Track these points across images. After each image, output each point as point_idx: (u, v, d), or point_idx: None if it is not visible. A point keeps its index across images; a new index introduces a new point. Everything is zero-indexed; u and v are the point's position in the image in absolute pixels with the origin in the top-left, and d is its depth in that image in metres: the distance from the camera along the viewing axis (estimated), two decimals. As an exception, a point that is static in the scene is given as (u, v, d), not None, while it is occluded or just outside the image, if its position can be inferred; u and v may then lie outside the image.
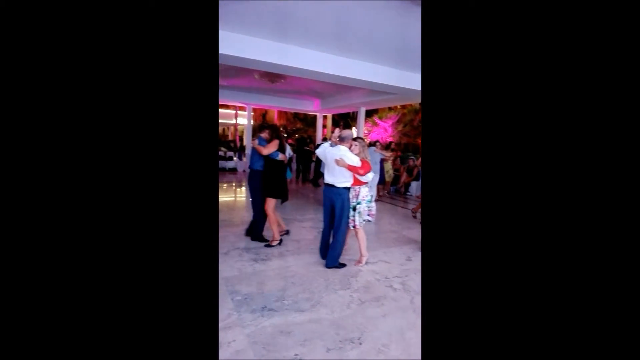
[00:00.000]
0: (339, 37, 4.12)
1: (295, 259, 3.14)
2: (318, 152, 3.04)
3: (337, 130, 3.01)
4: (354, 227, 2.92)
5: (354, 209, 2.91)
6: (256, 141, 3.33)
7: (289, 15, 3.53)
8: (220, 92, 8.98)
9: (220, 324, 1.96)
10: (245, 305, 2.20)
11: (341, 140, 2.89)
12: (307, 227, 4.33)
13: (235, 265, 2.91)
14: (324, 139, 5.71)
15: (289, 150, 3.48)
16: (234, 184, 8.15)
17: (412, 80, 5.68)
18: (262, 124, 3.54)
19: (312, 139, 11.34)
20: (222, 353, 1.69)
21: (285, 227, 3.79)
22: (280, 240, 3.46)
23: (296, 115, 15.01)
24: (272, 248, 3.36)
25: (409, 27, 3.54)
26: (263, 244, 3.44)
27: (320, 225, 4.41)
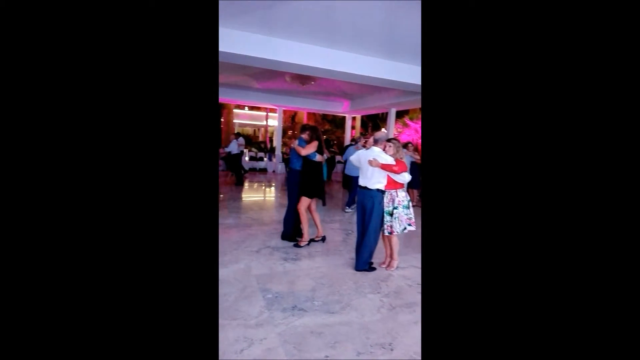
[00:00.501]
0: (371, 38, 4.08)
1: (324, 260, 3.14)
2: (352, 158, 3.01)
3: (370, 139, 2.98)
4: (390, 233, 2.83)
5: (391, 214, 2.82)
6: (296, 142, 3.38)
7: (319, 17, 3.56)
8: (253, 94, 9.24)
9: (252, 321, 2.01)
10: (276, 304, 2.24)
11: (375, 142, 2.86)
12: (335, 228, 4.32)
13: (266, 263, 2.97)
14: (353, 140, 5.65)
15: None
16: (263, 184, 8.33)
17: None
18: (304, 125, 3.55)
19: (333, 141, 11.28)
20: (254, 350, 1.74)
21: (322, 233, 3.63)
22: (309, 242, 3.46)
23: (324, 117, 15.06)
24: (302, 248, 3.39)
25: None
26: (292, 243, 3.48)
27: (349, 227, 4.39)
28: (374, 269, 2.92)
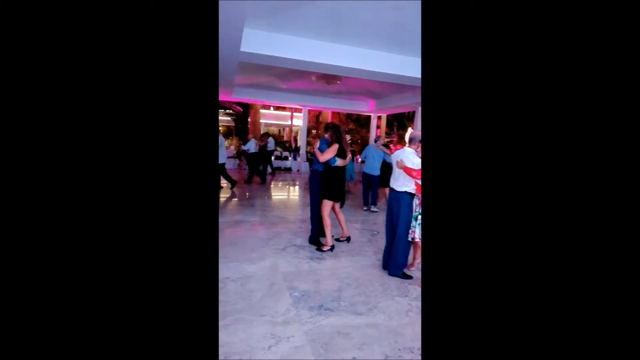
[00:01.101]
0: (395, 36, 4.00)
1: (350, 260, 3.12)
2: (393, 156, 2.81)
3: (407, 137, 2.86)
4: (413, 239, 2.67)
5: (416, 219, 2.67)
6: (317, 144, 3.27)
7: (346, 16, 3.53)
8: (279, 94, 9.36)
9: (280, 318, 2.03)
10: (302, 302, 2.25)
11: (409, 141, 2.73)
12: (360, 228, 4.28)
13: (293, 261, 2.99)
14: (376, 141, 5.57)
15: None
16: (288, 183, 8.43)
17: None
18: (327, 125, 3.38)
19: (357, 141, 11.17)
20: (281, 347, 1.75)
21: (347, 233, 3.55)
22: (332, 247, 3.29)
23: (349, 116, 14.98)
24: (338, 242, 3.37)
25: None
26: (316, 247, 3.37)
27: (374, 227, 4.33)
28: (410, 277, 2.74)
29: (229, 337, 1.80)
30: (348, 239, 3.57)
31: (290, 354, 1.70)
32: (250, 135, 7.66)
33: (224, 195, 6.10)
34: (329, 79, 6.76)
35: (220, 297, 2.24)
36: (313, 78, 6.93)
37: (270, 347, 1.75)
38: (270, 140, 8.70)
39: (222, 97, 9.66)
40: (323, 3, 3.26)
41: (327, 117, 14.48)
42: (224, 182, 6.98)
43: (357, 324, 2.03)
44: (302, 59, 4.35)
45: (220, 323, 1.94)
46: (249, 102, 11.93)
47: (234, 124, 17.19)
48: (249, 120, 14.51)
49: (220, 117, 22.33)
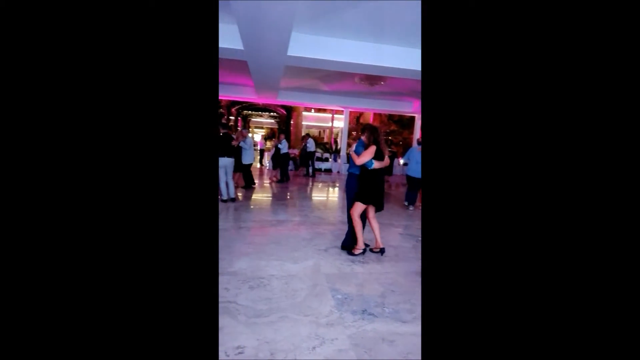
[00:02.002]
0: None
1: (393, 265, 3.04)
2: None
3: None
4: None
5: None
6: (353, 146, 3.24)
7: (388, 17, 3.45)
8: (321, 96, 9.46)
9: (323, 320, 2.04)
10: (346, 305, 2.24)
11: None
12: (403, 233, 4.15)
13: (335, 263, 3.00)
14: (419, 143, 5.37)
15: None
16: (328, 184, 8.47)
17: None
18: (364, 126, 3.32)
19: (399, 142, 10.85)
20: (325, 349, 1.76)
21: (381, 245, 3.26)
22: (364, 251, 3.19)
23: (390, 117, 14.64)
24: (371, 253, 3.33)
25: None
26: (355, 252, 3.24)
27: (418, 233, 4.17)
28: None
29: (274, 334, 1.85)
30: (382, 251, 3.24)
31: (334, 357, 1.70)
32: (282, 136, 7.86)
33: (266, 195, 6.30)
34: (372, 80, 6.68)
35: (265, 294, 2.31)
36: (356, 79, 6.89)
37: (314, 347, 1.77)
38: (310, 141, 8.85)
39: (268, 100, 10.02)
40: (367, 3, 3.23)
41: (369, 118, 14.30)
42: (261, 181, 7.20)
43: (402, 332, 1.96)
44: (347, 60, 4.35)
45: (266, 320, 2.00)
46: (293, 105, 12.22)
47: (277, 126, 17.70)
48: (292, 122, 14.86)
49: (264, 120, 23.17)
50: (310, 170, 9.35)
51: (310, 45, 4.28)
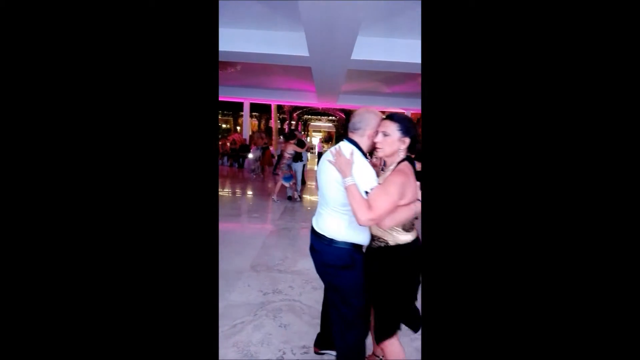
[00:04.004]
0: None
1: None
2: None
3: None
4: None
5: None
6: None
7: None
8: (382, 99, 9.31)
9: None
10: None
11: None
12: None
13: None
14: None
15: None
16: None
17: None
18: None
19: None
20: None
21: None
22: None
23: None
24: None
25: None
26: None
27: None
28: None
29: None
30: None
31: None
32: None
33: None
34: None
35: (329, 296, 2.32)
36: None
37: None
38: None
39: (328, 104, 10.20)
40: None
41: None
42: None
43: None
44: (415, 61, 4.19)
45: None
46: (353, 108, 12.23)
47: (334, 130, 17.90)
48: (350, 125, 14.86)
49: (321, 124, 23.65)
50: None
51: (374, 48, 4.23)
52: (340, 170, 1.23)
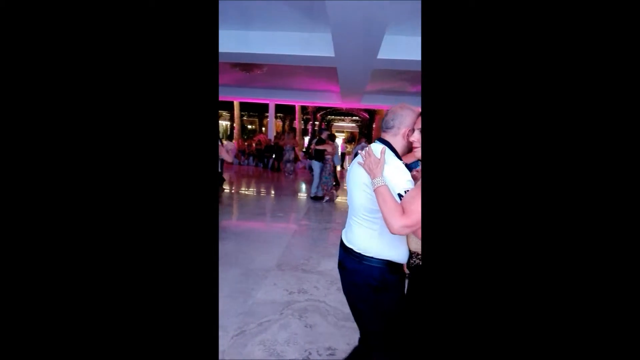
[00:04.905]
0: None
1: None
2: None
3: None
4: None
5: None
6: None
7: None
8: (407, 99, 9.11)
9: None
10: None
11: None
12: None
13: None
14: None
15: None
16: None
17: None
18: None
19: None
20: None
21: None
22: None
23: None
24: None
25: None
26: None
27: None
28: None
29: (364, 341, 1.82)
30: None
31: None
32: (363, 139, 8.00)
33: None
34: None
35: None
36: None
37: None
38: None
39: (351, 104, 10.16)
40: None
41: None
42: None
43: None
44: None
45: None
46: (377, 108, 12.10)
47: (358, 130, 17.78)
48: (374, 126, 14.72)
49: (345, 124, 23.58)
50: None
51: (401, 47, 4.15)
52: (368, 171, 1.10)
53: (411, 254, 1.17)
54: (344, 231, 1.31)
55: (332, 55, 4.28)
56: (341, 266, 1.26)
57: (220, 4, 3.60)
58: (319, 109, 15.38)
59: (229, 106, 15.64)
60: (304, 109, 15.03)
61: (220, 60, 5.58)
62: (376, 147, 1.19)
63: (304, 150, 9.74)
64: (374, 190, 1.07)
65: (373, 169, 1.08)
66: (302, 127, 15.92)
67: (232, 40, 4.45)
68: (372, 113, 14.59)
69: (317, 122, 15.95)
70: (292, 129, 13.85)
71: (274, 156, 10.20)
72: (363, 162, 1.14)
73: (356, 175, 1.21)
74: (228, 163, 5.63)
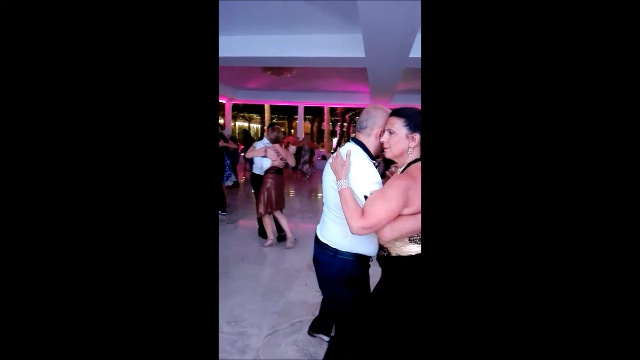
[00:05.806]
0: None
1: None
2: None
3: None
4: None
5: None
6: None
7: None
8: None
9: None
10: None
11: None
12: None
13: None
14: None
15: None
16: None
17: None
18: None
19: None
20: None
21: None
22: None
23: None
24: None
25: None
26: None
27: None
28: None
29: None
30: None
31: None
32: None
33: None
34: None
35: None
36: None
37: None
38: None
39: (382, 104, 9.98)
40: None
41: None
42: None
43: None
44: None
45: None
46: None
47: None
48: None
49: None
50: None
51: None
52: (335, 172, 1.14)
53: (381, 247, 1.20)
54: (318, 227, 1.38)
55: (363, 55, 4.25)
56: (316, 261, 1.34)
57: (251, 11, 3.72)
58: (347, 109, 15.32)
59: (260, 109, 16.06)
60: (332, 110, 15.06)
61: (253, 64, 5.75)
62: (345, 149, 1.22)
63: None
64: (338, 192, 1.12)
65: (338, 171, 1.13)
66: (331, 128, 15.94)
67: (263, 45, 4.57)
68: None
69: (345, 124, 15.91)
70: (321, 131, 13.94)
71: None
72: (332, 162, 1.20)
73: (327, 175, 1.28)
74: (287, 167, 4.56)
